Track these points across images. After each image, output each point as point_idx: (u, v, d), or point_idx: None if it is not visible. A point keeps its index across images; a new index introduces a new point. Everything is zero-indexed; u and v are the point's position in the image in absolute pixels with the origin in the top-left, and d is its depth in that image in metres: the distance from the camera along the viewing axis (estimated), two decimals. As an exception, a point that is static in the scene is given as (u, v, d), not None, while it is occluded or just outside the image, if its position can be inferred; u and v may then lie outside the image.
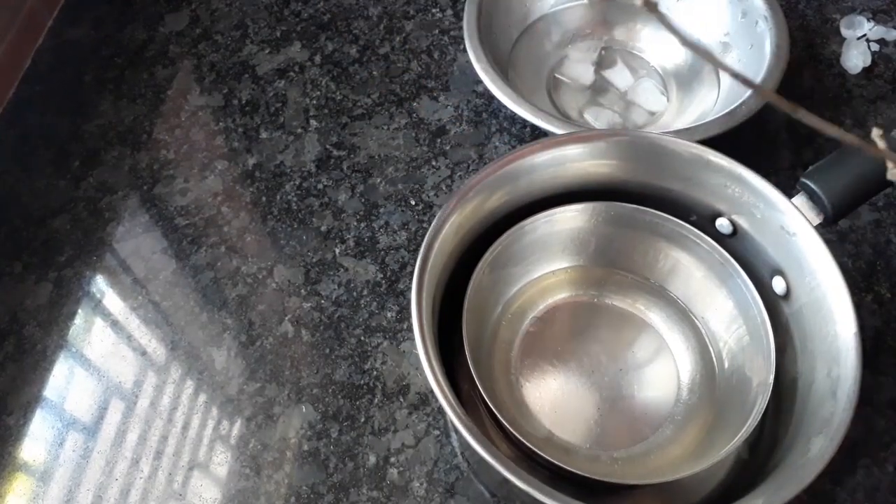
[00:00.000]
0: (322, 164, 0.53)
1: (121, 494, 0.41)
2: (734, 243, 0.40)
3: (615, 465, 0.39)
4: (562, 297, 0.44)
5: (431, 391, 0.39)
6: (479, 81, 0.50)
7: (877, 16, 0.57)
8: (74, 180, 0.53)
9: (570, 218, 0.42)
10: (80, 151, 0.55)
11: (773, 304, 0.39)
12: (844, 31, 0.56)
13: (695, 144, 0.39)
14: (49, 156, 0.55)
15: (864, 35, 0.56)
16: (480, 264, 0.40)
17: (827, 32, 0.57)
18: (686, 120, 0.51)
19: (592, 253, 0.44)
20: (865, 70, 0.55)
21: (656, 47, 0.56)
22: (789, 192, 0.38)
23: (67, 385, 0.45)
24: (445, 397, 0.32)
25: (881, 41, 0.55)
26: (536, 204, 0.42)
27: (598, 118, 0.53)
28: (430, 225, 0.37)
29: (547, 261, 0.44)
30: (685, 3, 0.55)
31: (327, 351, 0.45)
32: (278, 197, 0.52)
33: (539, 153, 0.40)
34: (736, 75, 0.20)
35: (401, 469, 0.41)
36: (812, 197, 0.37)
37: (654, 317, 0.43)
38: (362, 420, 0.43)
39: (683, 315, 0.43)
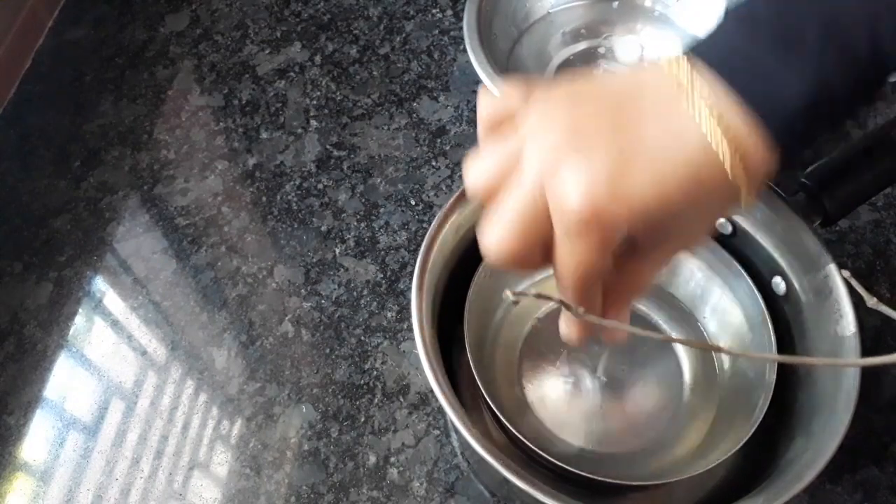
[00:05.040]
0: (322, 164, 0.53)
1: (121, 494, 0.41)
2: (734, 243, 0.40)
3: (618, 466, 0.39)
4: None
5: (431, 391, 0.39)
6: (479, 81, 0.50)
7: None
8: (75, 180, 0.53)
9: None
10: (81, 151, 0.55)
11: (774, 304, 0.39)
12: (844, 32, 0.56)
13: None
14: (49, 156, 0.55)
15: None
16: (482, 265, 0.40)
17: (827, 33, 0.57)
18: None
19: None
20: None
21: (657, 45, 0.56)
22: (789, 192, 0.38)
23: (68, 385, 0.45)
24: (445, 396, 0.32)
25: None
26: (536, 204, 0.42)
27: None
28: (430, 225, 0.37)
29: (548, 261, 0.44)
30: (683, 3, 0.55)
31: (327, 351, 0.45)
32: (278, 197, 0.52)
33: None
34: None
35: (401, 469, 0.41)
36: (811, 197, 0.37)
37: (657, 317, 0.43)
38: (362, 420, 0.43)
39: (686, 316, 0.43)
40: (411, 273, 0.36)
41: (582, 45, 0.57)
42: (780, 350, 0.38)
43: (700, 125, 0.21)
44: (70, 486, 0.42)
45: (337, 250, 0.49)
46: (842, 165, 0.37)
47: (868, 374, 0.33)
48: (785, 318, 0.39)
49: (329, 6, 0.62)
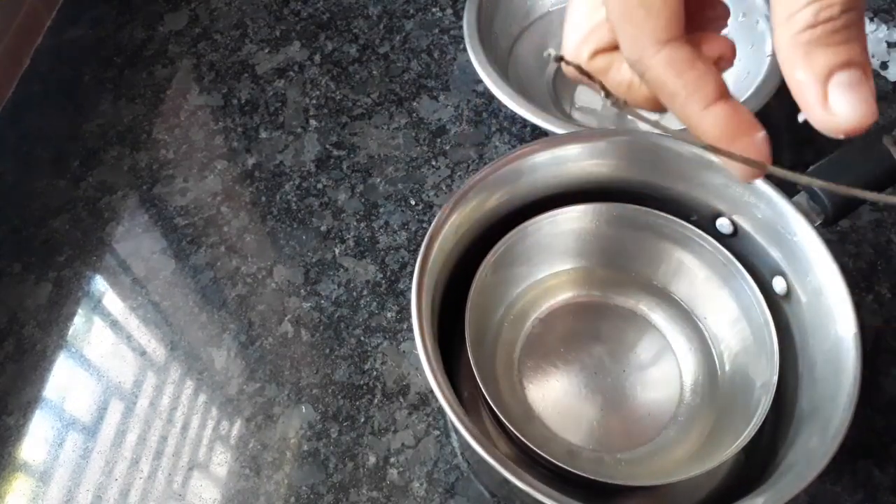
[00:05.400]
0: (322, 163, 0.53)
1: (120, 495, 0.41)
2: (735, 243, 0.40)
3: (619, 467, 0.39)
4: (565, 297, 0.44)
5: (431, 391, 0.39)
6: (479, 81, 0.50)
7: (878, 15, 0.57)
8: (74, 180, 0.53)
9: (573, 218, 0.42)
10: (80, 151, 0.55)
11: (774, 305, 0.39)
12: (845, 31, 0.56)
13: (695, 144, 0.39)
14: (48, 156, 0.55)
15: (866, 35, 0.55)
16: (483, 264, 0.40)
17: (827, 32, 0.57)
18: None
19: (596, 254, 0.44)
20: (866, 69, 0.55)
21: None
22: (790, 192, 0.38)
23: (67, 385, 0.45)
24: (445, 396, 0.32)
25: (882, 41, 0.55)
26: (537, 204, 0.42)
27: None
28: (430, 225, 0.37)
29: (550, 262, 0.44)
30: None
31: (327, 351, 0.45)
32: (278, 197, 0.52)
33: (539, 153, 0.40)
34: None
35: (401, 469, 0.41)
36: (813, 197, 0.37)
37: (657, 318, 0.43)
38: (362, 420, 0.43)
39: (686, 316, 0.43)
40: (411, 273, 0.36)
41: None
42: (781, 352, 0.37)
43: None
44: (69, 486, 0.41)
45: (336, 250, 0.49)
46: (843, 165, 0.37)
47: (869, 375, 0.33)
48: (786, 319, 0.39)
49: (328, 5, 0.62)
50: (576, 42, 0.21)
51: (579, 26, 0.21)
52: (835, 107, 0.16)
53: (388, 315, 0.46)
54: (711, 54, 0.20)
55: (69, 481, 0.42)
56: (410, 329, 0.44)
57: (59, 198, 0.53)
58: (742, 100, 0.45)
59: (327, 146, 0.54)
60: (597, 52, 0.21)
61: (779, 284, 0.39)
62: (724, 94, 0.19)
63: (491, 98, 0.54)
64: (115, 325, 0.47)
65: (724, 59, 0.20)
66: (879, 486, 0.40)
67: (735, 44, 0.20)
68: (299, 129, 0.55)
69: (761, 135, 0.18)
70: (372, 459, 0.41)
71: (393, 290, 0.47)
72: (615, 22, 0.19)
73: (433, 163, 0.53)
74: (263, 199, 0.52)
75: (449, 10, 0.61)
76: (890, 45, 0.55)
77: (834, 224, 0.38)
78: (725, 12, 0.21)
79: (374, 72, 0.58)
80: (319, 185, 0.52)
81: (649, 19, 0.18)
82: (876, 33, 0.55)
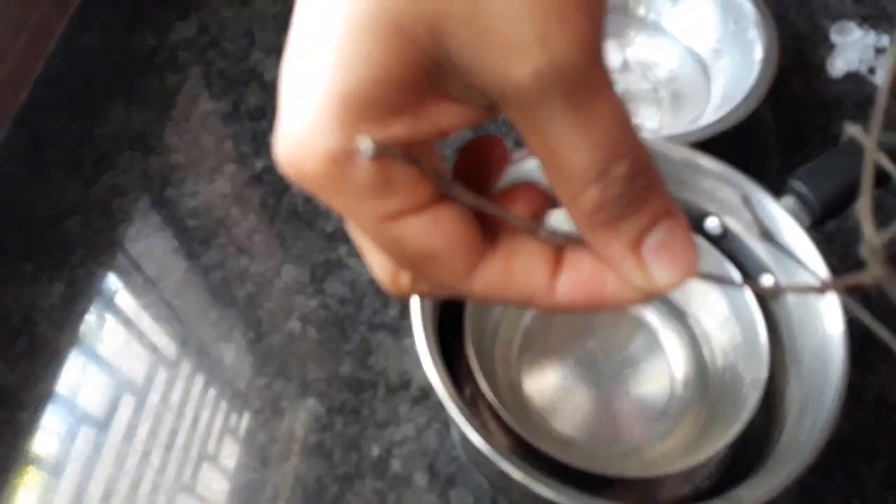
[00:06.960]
0: (327, 167, 0.54)
1: (131, 487, 0.42)
2: (724, 244, 0.42)
3: (612, 459, 0.40)
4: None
5: (432, 386, 0.40)
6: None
7: (867, 21, 0.59)
8: (86, 183, 0.55)
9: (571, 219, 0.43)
10: (92, 155, 0.56)
11: (764, 303, 0.40)
12: (834, 38, 0.57)
13: (686, 148, 0.41)
14: (61, 159, 0.56)
15: (855, 41, 0.57)
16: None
17: (817, 39, 0.59)
18: (678, 124, 0.52)
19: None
20: (855, 76, 0.56)
21: (648, 54, 0.57)
22: (779, 195, 0.39)
23: (79, 381, 0.46)
24: (443, 388, 0.33)
25: (871, 47, 0.57)
26: (535, 205, 0.43)
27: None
28: (432, 225, 0.38)
29: (546, 260, 0.45)
30: (677, 11, 0.56)
31: (333, 347, 0.46)
32: (285, 199, 0.53)
33: (537, 156, 0.41)
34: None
35: (403, 461, 0.42)
36: (801, 198, 0.38)
37: (650, 315, 0.44)
38: (366, 413, 0.44)
39: (677, 314, 0.44)
40: (414, 271, 0.37)
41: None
42: (771, 350, 0.39)
43: None
44: (81, 479, 0.43)
45: (342, 251, 0.50)
46: (831, 167, 0.38)
47: (856, 372, 0.34)
48: (774, 317, 0.40)
49: (334, 14, 0.64)
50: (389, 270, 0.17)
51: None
52: (656, 272, 0.15)
53: (391, 312, 0.47)
54: (525, 213, 0.17)
55: (81, 474, 0.43)
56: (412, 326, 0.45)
57: (72, 200, 0.54)
58: (733, 105, 0.46)
59: (332, 150, 0.55)
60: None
61: (768, 283, 0.40)
62: (558, 262, 0.16)
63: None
64: (126, 322, 0.48)
65: (539, 212, 0.17)
66: (868, 481, 0.41)
67: (546, 193, 0.17)
68: (305, 134, 0.56)
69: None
70: (375, 451, 0.43)
71: (396, 290, 0.48)
72: (412, 271, 0.16)
73: (435, 166, 0.54)
74: (271, 201, 0.53)
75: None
76: (878, 50, 0.57)
77: (822, 225, 0.39)
78: (505, 151, 0.18)
79: (378, 78, 0.59)
80: (325, 188, 0.53)
81: (441, 267, 0.15)
82: (864, 39, 0.57)
